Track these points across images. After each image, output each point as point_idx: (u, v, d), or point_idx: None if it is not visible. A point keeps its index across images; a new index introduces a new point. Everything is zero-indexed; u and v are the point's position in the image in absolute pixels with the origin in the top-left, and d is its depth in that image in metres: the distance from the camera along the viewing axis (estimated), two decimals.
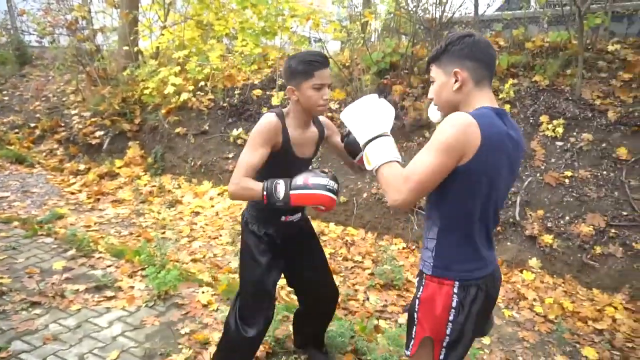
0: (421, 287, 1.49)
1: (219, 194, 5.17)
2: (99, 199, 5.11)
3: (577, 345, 2.88)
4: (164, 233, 4.26)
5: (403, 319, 3.05)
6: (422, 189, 1.33)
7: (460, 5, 5.96)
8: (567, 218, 3.83)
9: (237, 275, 3.41)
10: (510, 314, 3.21)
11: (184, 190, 5.32)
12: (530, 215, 3.93)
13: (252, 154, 1.76)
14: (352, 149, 1.87)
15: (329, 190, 1.67)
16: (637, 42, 4.87)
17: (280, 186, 1.67)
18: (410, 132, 4.77)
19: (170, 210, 4.88)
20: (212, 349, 2.52)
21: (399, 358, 2.44)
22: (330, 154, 4.79)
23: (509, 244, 3.86)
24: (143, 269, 3.38)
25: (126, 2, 6.61)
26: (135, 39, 6.67)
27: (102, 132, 6.13)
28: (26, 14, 7.82)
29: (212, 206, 4.95)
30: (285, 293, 3.23)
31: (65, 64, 7.11)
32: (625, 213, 3.71)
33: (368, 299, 3.27)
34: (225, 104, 5.84)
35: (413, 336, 1.49)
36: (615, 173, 3.95)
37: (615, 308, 3.25)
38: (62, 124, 6.52)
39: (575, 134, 4.27)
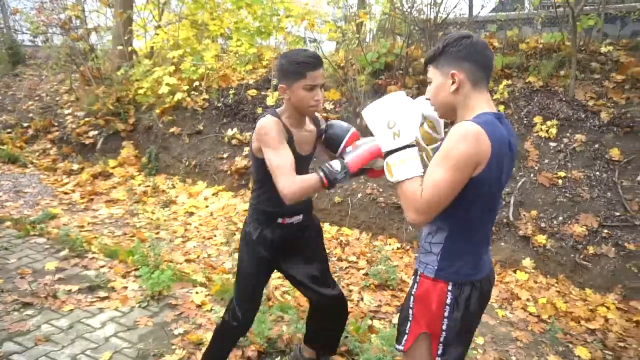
0: (415, 284, 1.51)
1: (213, 194, 5.15)
2: (92, 199, 5.09)
3: (570, 345, 2.90)
4: (158, 233, 4.24)
5: (397, 319, 3.05)
6: (441, 206, 1.34)
7: (455, 6, 6.04)
8: (561, 218, 3.85)
9: (231, 276, 3.42)
10: (504, 314, 3.22)
11: (178, 190, 5.30)
12: (524, 215, 3.95)
13: (282, 153, 1.71)
14: (331, 144, 1.86)
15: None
16: (630, 43, 4.91)
17: (334, 162, 1.61)
18: None
19: (164, 210, 4.86)
20: None
21: (392, 358, 2.44)
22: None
23: (502, 244, 3.87)
24: (136, 269, 3.37)
25: (120, 2, 6.58)
26: (130, 38, 6.65)
27: (95, 132, 6.10)
28: (19, 12, 7.77)
29: (207, 206, 4.94)
30: (279, 293, 3.22)
31: (58, 64, 7.08)
32: (617, 213, 3.73)
33: (362, 299, 3.27)
34: (219, 104, 5.83)
35: (407, 331, 1.50)
36: (608, 174, 3.97)
37: (608, 308, 3.27)
38: (56, 124, 6.48)
39: (568, 134, 4.30)
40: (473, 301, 1.45)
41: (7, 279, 3.16)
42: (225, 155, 5.43)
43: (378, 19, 6.72)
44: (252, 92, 5.89)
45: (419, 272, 1.51)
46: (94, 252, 3.68)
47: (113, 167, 5.71)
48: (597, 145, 4.15)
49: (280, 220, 1.97)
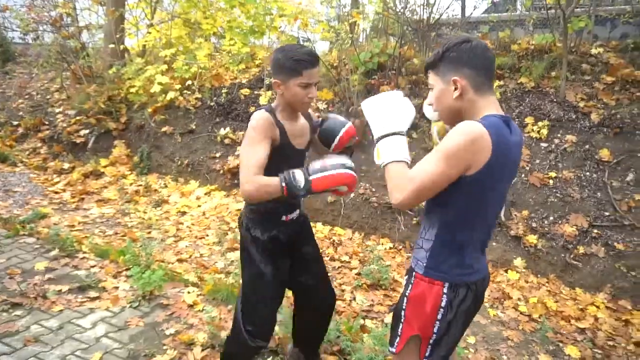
0: (410, 286, 1.50)
1: (205, 194, 5.13)
2: (83, 199, 5.04)
3: (560, 344, 2.92)
4: (149, 233, 4.21)
5: (389, 318, 3.06)
6: (424, 193, 1.34)
7: (448, 7, 6.06)
8: (551, 218, 3.88)
9: (223, 276, 3.41)
10: (495, 313, 3.24)
11: (171, 189, 5.27)
12: (515, 215, 3.98)
13: (255, 150, 1.68)
14: (326, 138, 1.86)
15: (349, 168, 1.60)
16: (619, 45, 4.96)
17: (298, 174, 1.58)
18: None
19: (156, 209, 4.83)
20: (197, 349, 2.50)
21: (384, 358, 2.45)
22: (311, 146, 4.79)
23: (494, 244, 3.90)
24: (128, 269, 3.34)
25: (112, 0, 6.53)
26: (122, 36, 6.59)
27: (87, 131, 6.04)
28: (9, 9, 7.67)
29: (199, 206, 4.91)
30: None
31: (49, 61, 6.99)
32: (607, 214, 3.77)
33: (355, 298, 3.28)
34: (212, 103, 5.81)
35: (399, 333, 1.50)
36: (598, 174, 4.01)
37: (597, 307, 3.31)
38: (46, 122, 6.41)
39: (559, 135, 4.33)
40: (467, 304, 1.46)
41: None
42: (217, 155, 5.41)
43: (371, 19, 6.73)
44: (245, 91, 5.87)
45: (413, 272, 1.51)
46: (84, 252, 3.64)
47: (104, 166, 5.67)
48: (587, 146, 4.19)
49: (284, 217, 1.93)
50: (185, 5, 6.57)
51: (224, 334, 2.59)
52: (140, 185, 5.30)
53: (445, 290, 1.43)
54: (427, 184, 1.31)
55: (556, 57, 4.84)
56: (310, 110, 2.05)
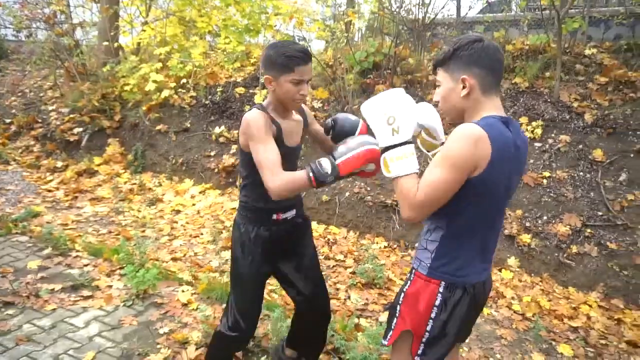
0: (409, 282, 1.51)
1: (200, 192, 5.12)
2: (76, 197, 5.01)
3: (553, 343, 2.94)
4: (143, 231, 4.20)
5: (384, 317, 3.07)
6: (435, 205, 1.34)
7: (443, 7, 6.06)
8: (545, 218, 3.91)
9: (217, 274, 3.40)
10: (489, 312, 3.26)
11: (165, 188, 5.25)
12: (509, 215, 4.00)
13: (268, 147, 1.67)
14: (344, 137, 1.76)
15: (373, 144, 1.51)
16: (613, 46, 4.99)
17: (324, 161, 1.55)
18: None
19: (150, 208, 4.81)
20: (191, 348, 2.50)
21: (378, 356, 2.45)
22: (312, 144, 4.79)
23: None
24: (121, 268, 3.33)
25: None
26: (116, 34, 6.56)
27: (80, 129, 6.01)
28: (2, 6, 7.61)
29: (193, 204, 4.90)
30: (266, 292, 3.21)
31: (42, 59, 6.94)
32: (600, 213, 3.80)
33: (349, 297, 3.28)
34: (207, 102, 5.79)
35: (392, 327, 1.51)
36: (591, 174, 4.04)
37: (590, 306, 3.33)
38: (39, 120, 6.37)
39: (553, 135, 4.35)
40: (462, 305, 1.44)
41: None
42: (212, 153, 5.39)
43: (367, 18, 6.73)
44: (240, 89, 5.86)
45: (413, 270, 1.52)
46: (77, 251, 3.63)
47: (98, 165, 5.64)
48: (581, 146, 4.21)
49: (274, 216, 1.93)
50: (180, 3, 6.54)
51: None
52: (135, 183, 5.28)
53: (440, 290, 1.43)
54: (437, 195, 1.31)
55: (550, 57, 4.86)
56: (304, 106, 2.03)
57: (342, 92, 5.22)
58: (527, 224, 3.89)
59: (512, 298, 3.41)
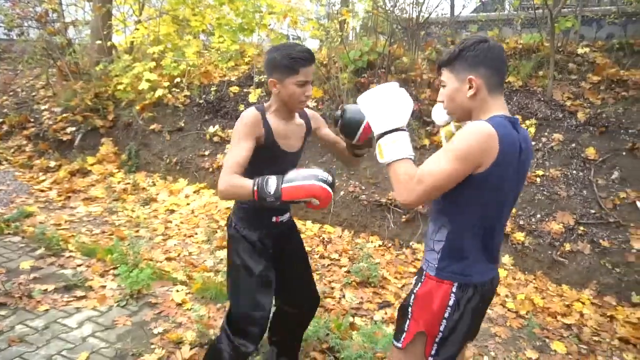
0: (419, 283, 1.50)
1: (194, 192, 5.10)
2: (69, 197, 4.98)
3: (547, 340, 2.96)
4: (137, 231, 4.18)
5: (379, 315, 3.08)
6: (434, 192, 1.33)
7: (437, 6, 6.08)
8: (539, 216, 3.93)
9: (212, 274, 3.39)
10: None
11: (159, 187, 5.23)
12: None
13: (237, 149, 1.68)
14: (349, 131, 1.77)
15: (322, 180, 1.54)
16: (605, 45, 5.03)
17: (272, 180, 1.56)
18: None
19: (144, 208, 4.79)
20: (186, 348, 2.49)
21: (373, 355, 2.46)
22: (323, 148, 4.76)
23: None
24: (115, 268, 3.31)
25: None
26: (109, 33, 6.52)
27: (73, 128, 5.96)
28: None
29: (188, 204, 4.88)
30: None
31: (34, 58, 6.88)
32: (593, 211, 3.83)
33: (344, 296, 3.28)
34: (201, 101, 5.77)
35: (406, 329, 1.50)
36: (584, 172, 4.07)
37: (583, 303, 3.35)
38: (32, 120, 6.31)
39: (546, 134, 4.38)
40: (473, 304, 1.45)
41: None
42: (206, 153, 5.38)
43: (361, 17, 6.74)
44: (234, 89, 5.84)
45: (424, 272, 1.51)
46: (71, 251, 3.60)
47: (91, 164, 5.60)
48: (573, 145, 4.24)
49: (274, 219, 1.92)
50: (174, 1, 6.51)
51: (212, 333, 2.58)
52: (128, 183, 5.25)
53: (454, 290, 1.43)
54: (437, 184, 1.31)
55: (543, 56, 4.89)
56: (313, 111, 2.02)
57: (336, 91, 5.22)
58: (521, 222, 3.91)
59: (506, 296, 3.43)
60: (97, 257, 3.49)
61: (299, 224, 4.41)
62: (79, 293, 3.01)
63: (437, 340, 1.46)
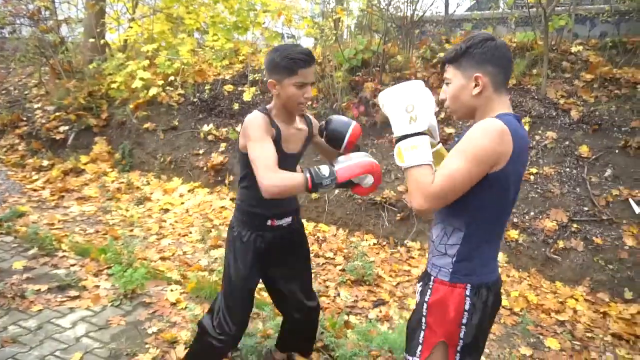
0: (428, 291, 1.44)
1: (189, 191, 5.08)
2: (63, 196, 4.95)
3: (541, 337, 2.97)
4: (131, 231, 4.16)
5: (373, 314, 3.08)
6: (451, 196, 1.31)
7: (431, 4, 6.10)
8: (532, 213, 3.95)
9: (206, 273, 3.38)
10: None
11: (153, 186, 5.21)
12: None
13: (266, 147, 1.64)
14: (333, 139, 1.79)
15: (373, 160, 1.55)
16: (598, 44, 5.05)
17: (324, 166, 1.54)
18: (382, 128, 4.81)
19: (138, 207, 4.77)
20: (180, 347, 2.48)
21: (368, 353, 2.46)
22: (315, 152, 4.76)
23: None
24: (109, 268, 3.30)
25: None
26: (102, 31, 6.47)
27: (66, 127, 5.93)
28: None
29: (182, 203, 4.87)
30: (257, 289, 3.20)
31: (27, 56, 6.83)
32: (586, 209, 3.85)
33: (339, 294, 3.28)
34: (195, 99, 5.75)
35: (421, 341, 1.44)
36: (577, 170, 4.09)
37: (577, 300, 3.37)
38: (24, 118, 6.27)
39: (540, 132, 4.40)
40: (489, 304, 1.42)
41: None
42: (201, 152, 5.36)
43: (355, 15, 6.73)
44: (229, 87, 5.82)
45: (432, 278, 1.45)
46: (64, 251, 3.58)
47: (85, 164, 5.57)
48: (567, 142, 4.26)
49: (269, 222, 1.91)
50: None
51: None
52: (122, 182, 5.23)
53: (467, 293, 1.39)
54: (456, 187, 1.28)
55: (537, 54, 4.91)
56: (312, 118, 2.02)
57: (330, 89, 5.21)
58: (515, 220, 3.93)
59: (501, 293, 3.44)
60: (91, 257, 3.47)
61: None
62: (72, 293, 3.00)
63: (459, 348, 1.40)
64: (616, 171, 3.98)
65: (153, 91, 5.63)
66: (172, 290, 3.09)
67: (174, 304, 2.96)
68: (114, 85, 5.81)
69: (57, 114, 6.03)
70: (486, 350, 2.80)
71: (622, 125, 4.20)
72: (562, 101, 4.51)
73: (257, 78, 5.77)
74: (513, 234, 3.84)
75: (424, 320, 1.43)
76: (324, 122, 1.83)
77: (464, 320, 1.38)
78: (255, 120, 1.72)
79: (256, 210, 1.88)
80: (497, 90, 1.37)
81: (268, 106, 1.83)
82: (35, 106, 6.36)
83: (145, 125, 5.71)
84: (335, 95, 5.15)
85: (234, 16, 6.14)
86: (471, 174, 1.27)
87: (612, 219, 3.72)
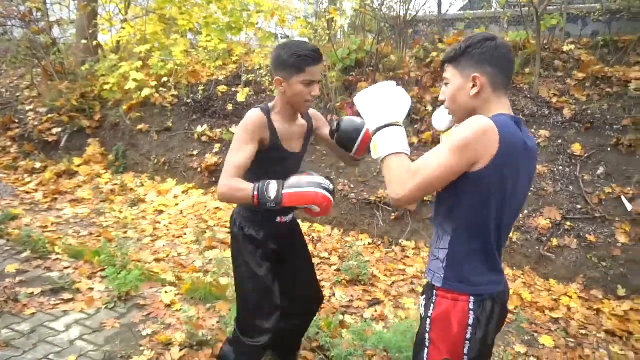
0: (432, 305, 1.40)
1: (183, 192, 5.07)
2: (56, 199, 4.92)
3: (535, 334, 2.99)
4: (125, 233, 4.14)
5: (369, 313, 3.08)
6: (429, 187, 1.27)
7: (425, 4, 6.09)
8: (526, 212, 3.96)
9: (201, 274, 3.37)
10: None
11: (147, 188, 5.19)
12: None
13: (238, 152, 1.67)
14: (345, 143, 1.77)
15: (324, 188, 1.55)
16: (590, 43, 5.09)
17: (272, 185, 1.56)
18: None
19: (132, 209, 4.74)
20: (175, 349, 2.47)
21: (363, 352, 2.46)
22: (321, 147, 4.75)
23: None
24: (103, 270, 3.27)
25: None
26: (95, 32, 6.44)
27: (59, 129, 5.89)
28: None
29: (176, 204, 4.85)
30: None
31: (18, 58, 6.79)
32: (579, 206, 3.87)
33: (334, 294, 3.29)
34: (189, 100, 5.73)
35: (424, 358, 1.39)
36: (570, 168, 4.11)
37: (570, 297, 3.39)
38: (16, 120, 6.22)
39: (533, 130, 4.42)
40: (495, 318, 1.37)
41: None
42: (195, 153, 5.34)
43: (349, 15, 6.74)
44: (222, 88, 5.81)
45: (434, 289, 1.41)
46: (57, 253, 3.56)
47: (78, 166, 5.54)
48: (560, 141, 4.28)
49: (278, 219, 1.91)
50: (161, 0, 6.44)
51: (202, 334, 2.57)
52: (116, 184, 5.20)
53: (471, 306, 1.34)
54: (432, 178, 1.25)
55: (530, 54, 4.93)
56: (315, 111, 1.99)
57: (324, 89, 5.21)
58: None
59: (507, 305, 3.44)
60: (85, 259, 3.46)
61: None
62: (66, 296, 2.98)
63: None
64: (609, 169, 4.01)
65: (146, 92, 5.60)
66: (166, 292, 3.07)
67: (168, 306, 2.94)
68: (106, 87, 5.78)
69: (49, 115, 5.99)
70: None
71: (614, 124, 4.23)
72: (554, 100, 4.53)
73: (250, 79, 5.76)
74: None
75: (427, 337, 1.39)
76: (335, 123, 1.79)
77: (468, 335, 1.33)
78: (248, 120, 1.71)
79: (262, 209, 1.86)
80: (496, 92, 1.34)
81: (270, 103, 1.81)
82: (28, 108, 6.32)
83: (139, 127, 5.68)
84: (329, 95, 5.15)
85: (227, 17, 6.12)
86: (447, 166, 1.24)
87: (605, 217, 3.75)
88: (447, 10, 6.92)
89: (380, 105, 1.38)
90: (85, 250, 3.59)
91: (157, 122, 5.72)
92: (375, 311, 3.11)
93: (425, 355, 1.38)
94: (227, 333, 2.50)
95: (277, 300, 1.92)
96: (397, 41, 5.67)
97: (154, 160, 5.44)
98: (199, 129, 5.43)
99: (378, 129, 1.36)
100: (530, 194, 4.03)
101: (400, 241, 4.12)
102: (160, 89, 5.84)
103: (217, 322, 2.76)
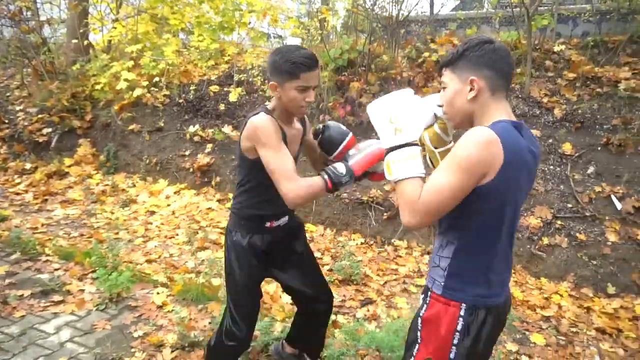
0: (425, 305, 1.40)
1: (175, 193, 5.04)
2: (46, 200, 4.87)
3: (527, 332, 3.01)
4: (117, 234, 4.11)
5: (361, 313, 3.09)
6: (441, 211, 1.26)
7: (417, 4, 6.10)
8: None
9: (193, 275, 3.36)
10: None
11: (139, 189, 5.15)
12: None
13: (282, 154, 1.65)
14: (329, 147, 1.77)
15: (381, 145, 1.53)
16: (581, 43, 5.13)
17: (338, 164, 1.57)
18: (368, 128, 4.82)
19: (124, 209, 4.71)
20: (167, 351, 2.46)
21: (355, 352, 2.46)
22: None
23: None
24: (94, 271, 3.25)
25: None
26: (86, 31, 6.39)
27: (49, 129, 5.84)
28: None
29: (168, 205, 4.82)
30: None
31: (8, 57, 6.73)
32: (570, 205, 3.90)
33: None
34: (181, 100, 5.70)
35: (414, 354, 1.41)
36: (561, 167, 4.14)
37: (561, 296, 3.42)
38: (6, 121, 6.15)
39: None
40: (487, 328, 1.34)
41: None
42: (187, 153, 5.32)
43: (341, 15, 6.75)
44: (214, 88, 5.79)
45: (429, 292, 1.41)
46: (48, 255, 3.53)
47: (69, 166, 5.49)
48: (550, 140, 4.32)
49: (267, 224, 1.90)
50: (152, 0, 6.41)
51: (194, 335, 2.56)
52: (107, 185, 5.17)
53: (462, 313, 1.32)
54: (443, 201, 1.23)
55: (521, 54, 4.96)
56: (305, 116, 2.00)
57: (316, 89, 5.21)
58: None
59: (506, 318, 3.45)
60: (75, 261, 3.43)
61: None
62: (56, 298, 2.95)
63: None
64: (599, 168, 4.04)
65: (138, 92, 5.56)
66: (158, 293, 3.06)
67: (160, 307, 2.93)
68: (98, 87, 5.73)
69: (40, 116, 5.93)
70: None
71: (604, 123, 4.27)
72: (545, 100, 4.57)
73: (243, 78, 5.74)
74: None
75: (419, 334, 1.40)
76: (320, 126, 1.80)
77: (455, 341, 1.33)
78: (266, 125, 1.67)
79: (255, 213, 1.87)
80: (495, 95, 1.31)
81: (269, 107, 1.79)
82: (18, 108, 6.25)
83: (130, 127, 5.65)
84: (321, 95, 5.15)
85: (219, 16, 6.09)
86: (458, 187, 1.21)
87: (595, 215, 3.78)
88: (439, 11, 6.96)
89: (396, 120, 1.32)
90: (76, 251, 3.56)
91: (148, 122, 5.68)
92: (368, 311, 3.12)
93: (415, 352, 1.41)
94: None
95: (255, 297, 1.98)
96: (389, 41, 5.68)
97: (146, 160, 5.41)
98: (191, 129, 5.41)
99: (392, 149, 1.32)
100: None
101: (392, 241, 4.13)
102: (152, 88, 5.80)
103: (209, 323, 2.75)
